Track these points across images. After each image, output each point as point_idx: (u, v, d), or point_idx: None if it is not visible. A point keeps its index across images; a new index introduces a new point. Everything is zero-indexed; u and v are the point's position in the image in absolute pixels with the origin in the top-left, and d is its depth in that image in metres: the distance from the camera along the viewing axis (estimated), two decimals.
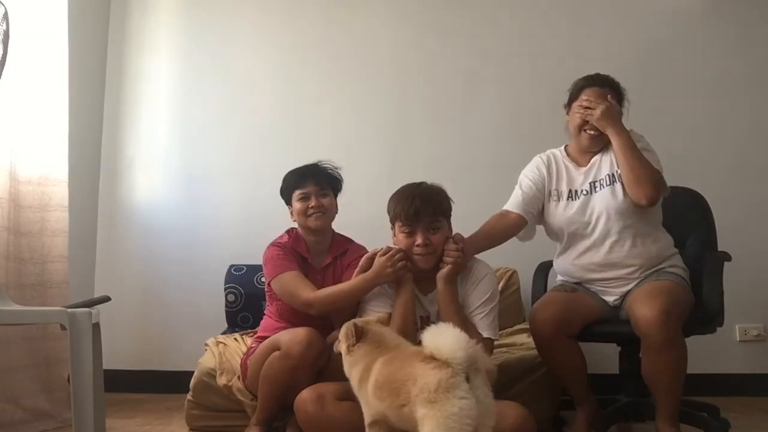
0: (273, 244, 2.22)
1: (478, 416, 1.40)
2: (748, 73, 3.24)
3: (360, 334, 1.66)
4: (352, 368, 1.65)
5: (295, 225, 2.28)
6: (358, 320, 1.71)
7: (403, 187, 1.97)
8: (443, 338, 1.47)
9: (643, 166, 2.04)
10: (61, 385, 2.54)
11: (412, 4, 3.44)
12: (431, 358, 1.45)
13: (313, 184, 2.20)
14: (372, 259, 1.95)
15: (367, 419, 1.61)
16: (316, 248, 2.24)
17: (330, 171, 2.26)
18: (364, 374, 1.61)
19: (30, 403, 2.42)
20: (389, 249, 1.93)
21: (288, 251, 2.19)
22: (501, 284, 2.85)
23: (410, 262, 1.91)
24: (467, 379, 1.41)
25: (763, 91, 3.22)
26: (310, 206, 2.18)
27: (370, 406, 1.59)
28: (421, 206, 1.87)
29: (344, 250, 2.25)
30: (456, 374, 1.41)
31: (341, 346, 1.70)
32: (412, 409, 1.45)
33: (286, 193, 2.25)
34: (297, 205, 2.19)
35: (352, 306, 2.06)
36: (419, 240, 1.88)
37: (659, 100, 3.24)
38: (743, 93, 3.23)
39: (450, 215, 1.98)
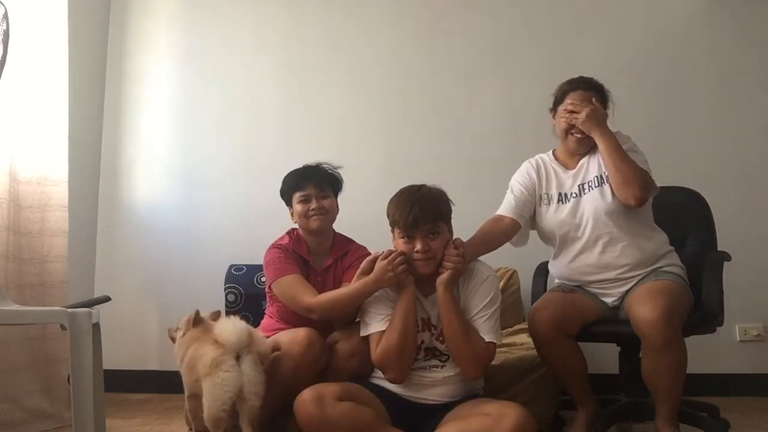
0: (273, 246, 2.21)
1: (240, 386, 1.83)
2: (749, 73, 3.24)
3: (197, 322, 2.06)
4: (178, 349, 2.07)
5: (296, 226, 2.28)
6: (199, 312, 2.10)
7: (402, 192, 1.94)
8: (224, 326, 1.93)
9: (629, 168, 2.04)
10: (61, 385, 2.54)
11: (413, 3, 3.45)
12: (215, 341, 1.89)
13: (314, 185, 2.19)
14: (373, 262, 1.93)
15: (186, 393, 2.03)
16: (317, 249, 2.24)
17: (330, 171, 2.25)
18: (183, 355, 2.03)
19: (30, 403, 2.42)
20: (390, 252, 1.91)
21: (289, 253, 2.17)
22: (501, 284, 2.84)
23: (411, 267, 1.91)
24: (238, 358, 1.86)
25: (763, 91, 3.22)
26: (310, 208, 2.17)
27: (184, 381, 2.02)
28: (419, 214, 1.85)
29: (345, 251, 2.25)
30: (225, 353, 1.85)
31: (179, 332, 2.11)
32: (201, 381, 1.87)
33: (286, 194, 2.24)
34: (298, 206, 2.19)
35: (354, 310, 2.06)
36: (419, 246, 1.86)
37: (659, 99, 3.25)
38: (744, 92, 3.23)
39: (450, 218, 1.96)
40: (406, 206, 1.87)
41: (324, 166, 2.26)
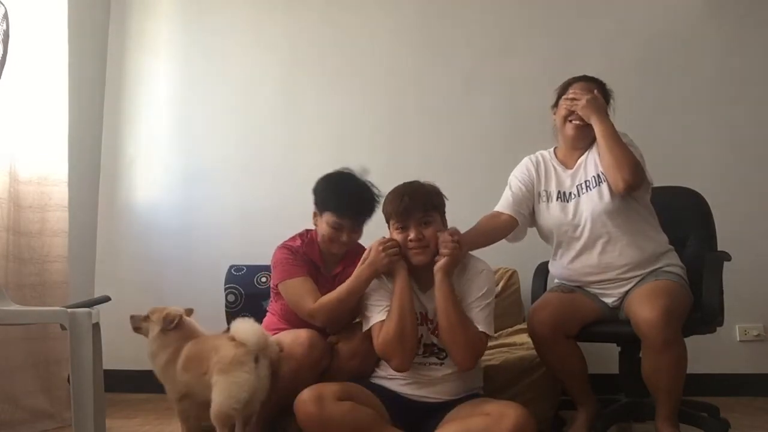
0: (284, 246, 2.18)
1: (255, 390, 1.85)
2: (748, 73, 3.25)
3: (179, 323, 2.06)
4: (161, 349, 2.05)
5: (310, 226, 2.22)
6: (179, 309, 2.09)
7: (395, 187, 1.99)
8: (243, 325, 1.92)
9: (622, 151, 2.04)
10: (61, 385, 2.54)
11: (409, 6, 3.45)
12: (233, 339, 1.89)
13: (351, 219, 2.11)
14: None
15: (176, 396, 2.03)
16: (329, 259, 2.21)
17: (373, 202, 2.14)
18: (172, 356, 2.02)
19: (30, 403, 2.42)
20: (384, 238, 1.95)
21: (298, 256, 2.14)
22: (501, 284, 2.85)
23: (406, 259, 1.92)
24: (256, 360, 1.86)
25: (762, 91, 3.22)
26: (340, 239, 2.11)
27: (176, 382, 2.01)
28: (410, 203, 1.90)
29: (355, 260, 2.22)
30: (248, 353, 1.86)
31: (153, 327, 2.08)
32: (210, 376, 1.87)
33: (321, 203, 2.15)
34: (326, 227, 2.11)
35: (352, 313, 2.05)
36: (412, 235, 1.89)
37: (659, 100, 3.25)
38: (743, 92, 3.23)
39: (443, 210, 1.99)
40: (398, 197, 1.93)
41: (370, 194, 2.13)
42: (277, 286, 2.14)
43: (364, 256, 1.97)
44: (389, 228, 1.98)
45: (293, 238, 2.23)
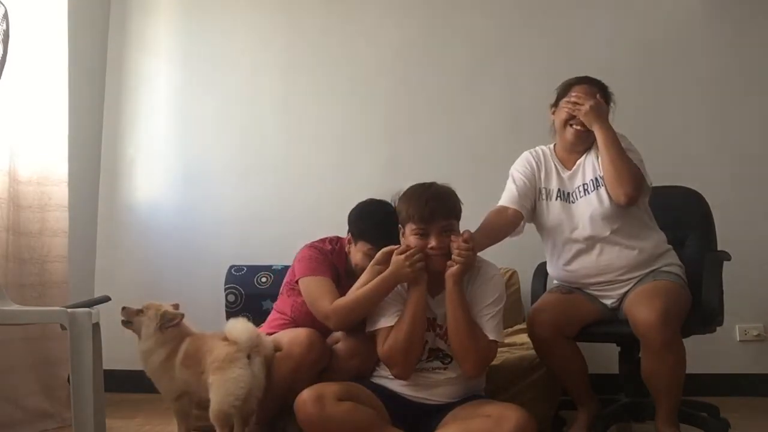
0: (313, 246, 2.16)
1: (251, 386, 1.88)
2: (748, 73, 3.24)
3: (179, 322, 2.06)
4: (158, 347, 2.04)
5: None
6: (173, 308, 2.10)
7: (413, 188, 1.92)
8: (236, 325, 1.97)
9: (624, 163, 2.04)
10: (61, 385, 2.54)
11: (410, 4, 3.44)
12: (225, 338, 1.93)
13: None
14: (387, 254, 1.89)
15: (173, 395, 2.05)
16: (352, 273, 2.15)
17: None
18: (171, 353, 2.02)
19: (30, 403, 2.42)
20: (408, 248, 1.86)
21: (327, 259, 2.12)
22: None
23: (427, 265, 1.87)
24: (249, 358, 1.90)
25: (762, 91, 3.22)
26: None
27: (175, 379, 2.02)
28: (436, 207, 1.84)
29: None
30: (239, 350, 1.90)
31: (148, 324, 2.06)
32: (207, 376, 1.91)
33: (358, 233, 2.09)
34: (362, 256, 2.07)
35: (369, 312, 1.98)
36: (433, 243, 1.83)
37: (659, 99, 3.25)
38: (743, 92, 3.23)
39: (460, 218, 1.93)
40: (421, 200, 1.85)
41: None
42: (297, 281, 2.11)
43: (378, 257, 1.91)
44: (403, 231, 1.91)
45: (323, 241, 2.20)
